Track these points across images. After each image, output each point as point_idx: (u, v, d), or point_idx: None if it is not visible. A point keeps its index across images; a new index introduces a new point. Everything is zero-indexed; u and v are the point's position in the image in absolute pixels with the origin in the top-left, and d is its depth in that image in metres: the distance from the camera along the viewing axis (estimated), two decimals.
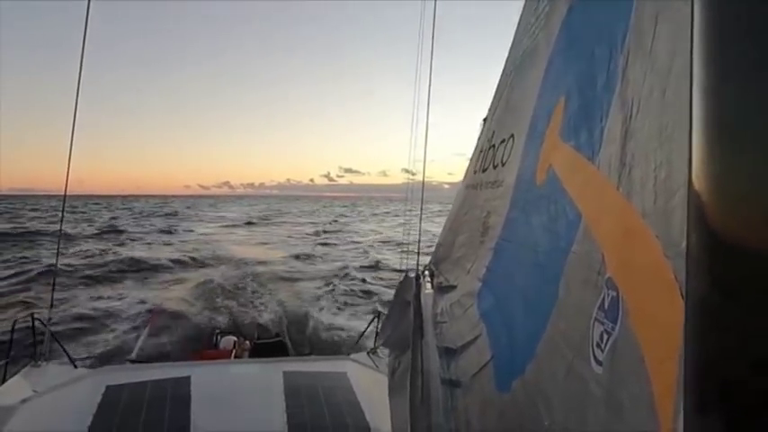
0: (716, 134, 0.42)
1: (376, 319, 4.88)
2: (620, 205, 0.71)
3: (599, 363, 0.65)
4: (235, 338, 5.51)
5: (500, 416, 0.99)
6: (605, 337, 0.64)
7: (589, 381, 0.66)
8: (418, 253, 2.53)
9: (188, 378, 2.95)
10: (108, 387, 2.80)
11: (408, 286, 2.41)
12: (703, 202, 0.41)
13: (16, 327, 3.72)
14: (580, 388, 0.68)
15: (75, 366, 3.88)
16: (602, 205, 0.80)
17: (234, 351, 5.16)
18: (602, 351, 0.64)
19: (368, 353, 4.15)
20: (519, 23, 2.30)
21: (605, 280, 0.69)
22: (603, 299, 0.68)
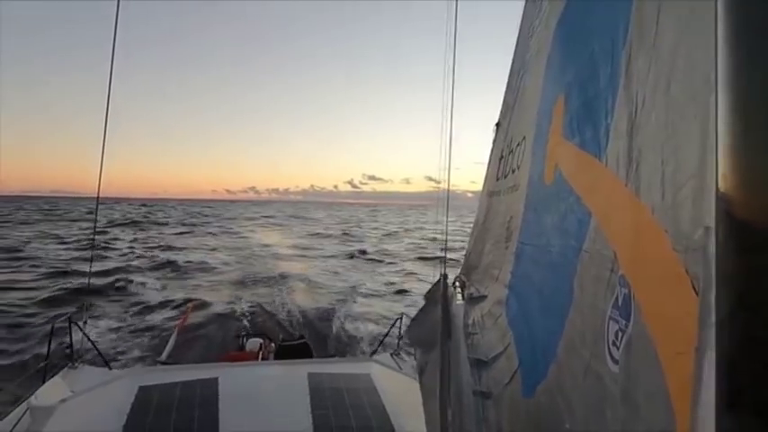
0: (741, 128, 0.41)
1: (399, 321, 4.85)
2: (629, 202, 0.70)
3: (615, 361, 0.63)
4: (260, 340, 5.61)
5: (526, 421, 0.97)
6: (620, 334, 0.63)
7: (606, 380, 0.65)
8: (444, 257, 2.52)
9: (216, 379, 3.02)
10: (140, 388, 2.90)
11: (438, 290, 2.39)
12: (727, 198, 0.40)
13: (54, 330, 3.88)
14: (598, 387, 0.67)
15: (110, 368, 4.02)
16: (611, 202, 0.78)
17: (260, 353, 5.24)
18: (618, 349, 0.63)
19: (391, 354, 4.15)
20: (521, 26, 2.30)
21: (618, 277, 0.67)
22: (617, 297, 0.67)
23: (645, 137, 0.70)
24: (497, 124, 2.57)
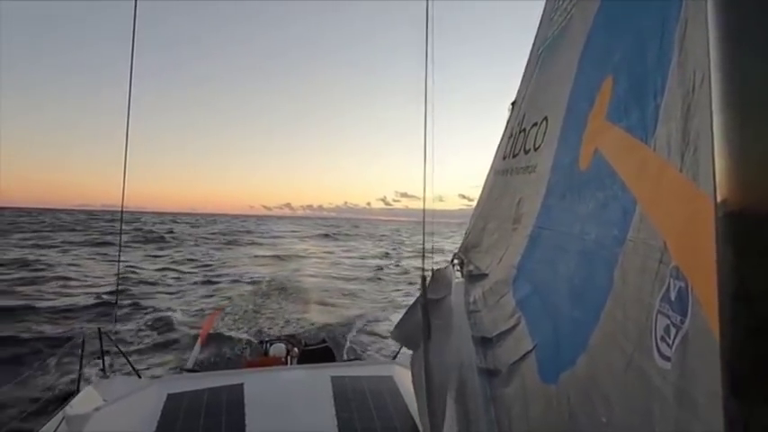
0: (738, 122, 0.39)
1: None
2: (684, 189, 0.66)
3: (665, 357, 0.61)
4: (285, 346, 5.68)
5: (547, 408, 0.96)
6: (673, 330, 0.60)
7: (653, 376, 0.63)
8: (423, 257, 2.52)
9: (241, 385, 3.08)
10: (169, 395, 2.97)
11: (431, 284, 2.39)
12: (728, 186, 0.39)
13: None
14: (643, 383, 0.64)
15: (140, 376, 4.18)
16: (661, 189, 0.74)
17: (285, 358, 5.32)
18: (670, 345, 0.60)
19: None
20: (546, 4, 2.20)
21: (670, 269, 0.64)
22: (668, 289, 0.64)
23: (704, 118, 0.66)
24: (513, 103, 2.50)
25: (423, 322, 1.77)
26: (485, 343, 1.56)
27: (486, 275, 2.19)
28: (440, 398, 1.43)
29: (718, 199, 0.56)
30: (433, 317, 1.86)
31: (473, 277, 2.32)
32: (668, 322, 0.62)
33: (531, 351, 1.20)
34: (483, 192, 2.83)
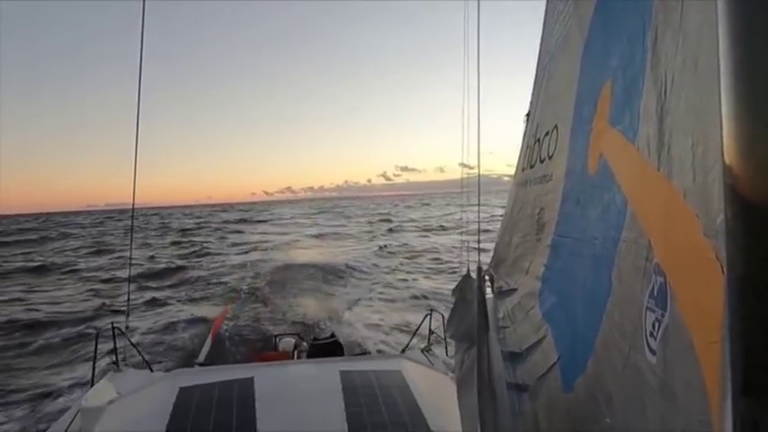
0: (747, 109, 0.40)
1: (428, 317, 4.85)
2: (661, 187, 0.68)
3: (653, 351, 0.62)
4: (294, 340, 5.75)
5: (566, 417, 0.95)
6: (657, 324, 0.61)
7: (645, 371, 0.64)
8: (479, 249, 2.46)
9: (251, 379, 3.11)
10: (181, 389, 3.02)
11: (468, 285, 2.36)
12: (737, 179, 0.40)
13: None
14: (638, 379, 0.65)
15: (152, 370, 4.33)
16: (644, 188, 0.76)
17: (294, 352, 5.37)
18: (655, 339, 0.61)
19: (422, 350, 4.18)
20: (546, 12, 2.24)
21: (653, 266, 0.66)
22: (653, 286, 0.65)
23: (675, 118, 0.68)
24: (527, 115, 2.52)
25: (478, 315, 1.73)
26: (513, 358, 1.54)
27: (514, 290, 2.17)
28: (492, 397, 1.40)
29: (691, 196, 0.58)
30: (466, 317, 1.83)
31: (502, 293, 2.30)
32: (654, 317, 0.63)
33: (556, 363, 1.19)
34: (507, 205, 2.82)
